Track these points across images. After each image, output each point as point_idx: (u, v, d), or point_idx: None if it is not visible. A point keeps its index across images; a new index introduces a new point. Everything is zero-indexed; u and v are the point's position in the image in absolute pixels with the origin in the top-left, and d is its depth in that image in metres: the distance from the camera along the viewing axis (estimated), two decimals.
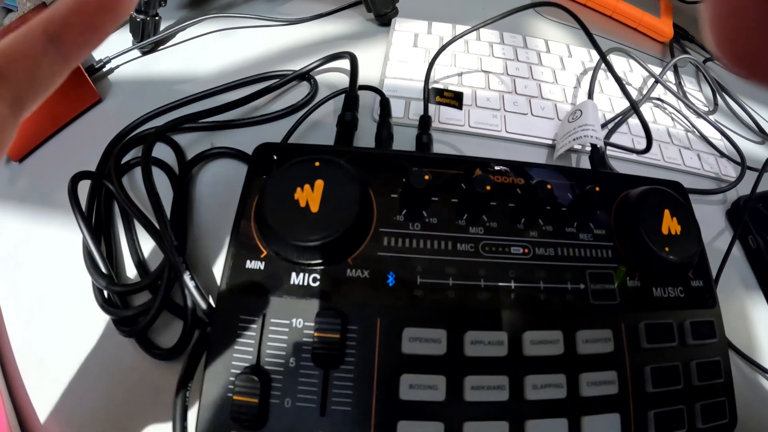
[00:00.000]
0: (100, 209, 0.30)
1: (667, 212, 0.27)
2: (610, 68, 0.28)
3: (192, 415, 0.23)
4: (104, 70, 0.38)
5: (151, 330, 0.27)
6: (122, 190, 0.29)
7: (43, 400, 0.25)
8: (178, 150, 0.33)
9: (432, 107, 0.35)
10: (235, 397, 0.21)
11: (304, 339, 0.22)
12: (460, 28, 0.38)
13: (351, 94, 0.32)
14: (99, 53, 0.38)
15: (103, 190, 0.30)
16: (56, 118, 0.35)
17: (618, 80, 0.28)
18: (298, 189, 0.23)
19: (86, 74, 0.35)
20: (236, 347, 0.22)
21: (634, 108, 0.28)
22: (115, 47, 0.39)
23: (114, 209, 0.31)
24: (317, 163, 0.24)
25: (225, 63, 0.39)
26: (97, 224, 0.29)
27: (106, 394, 0.25)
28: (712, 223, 0.37)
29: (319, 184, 0.23)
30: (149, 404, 0.25)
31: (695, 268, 0.27)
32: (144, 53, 0.40)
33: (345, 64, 0.38)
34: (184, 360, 0.25)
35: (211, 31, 0.42)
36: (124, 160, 0.32)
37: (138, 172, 0.32)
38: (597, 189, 0.27)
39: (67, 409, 0.25)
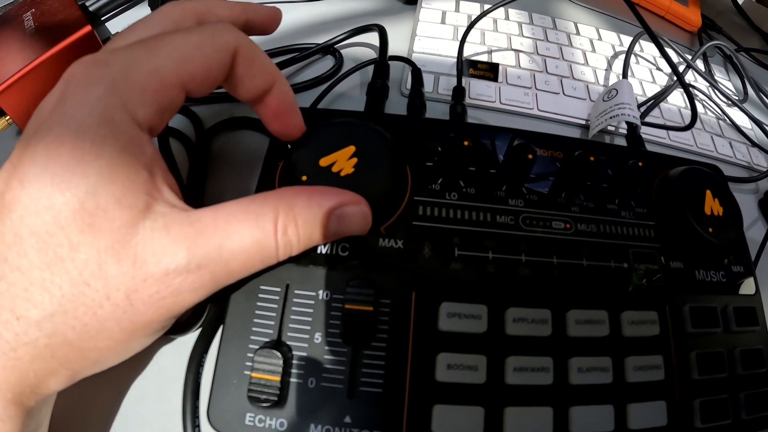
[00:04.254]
0: None
1: (708, 193, 0.26)
2: (654, 38, 0.27)
3: (204, 394, 0.22)
4: None
5: None
6: None
7: None
8: (196, 120, 0.31)
9: (463, 81, 0.34)
10: (253, 375, 0.19)
11: (332, 312, 0.20)
12: (488, 7, 0.37)
13: (382, 62, 0.30)
14: (116, 27, 0.37)
15: None
16: None
17: (661, 49, 0.27)
18: (328, 153, 0.21)
19: (103, 46, 0.33)
20: (256, 320, 0.20)
21: (678, 78, 0.27)
22: (132, 20, 0.37)
23: None
24: (348, 126, 0.22)
25: None
26: None
27: (111, 368, 0.23)
28: (745, 212, 0.35)
29: (350, 147, 0.21)
30: (157, 381, 0.23)
31: (736, 252, 0.26)
32: None
33: (371, 38, 0.36)
34: (198, 333, 0.23)
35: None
36: None
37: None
38: (640, 164, 0.25)
39: None
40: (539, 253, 0.22)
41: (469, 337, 0.20)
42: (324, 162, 0.21)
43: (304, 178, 0.21)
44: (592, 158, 0.24)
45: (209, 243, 0.16)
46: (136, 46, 0.17)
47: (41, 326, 0.14)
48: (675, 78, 0.40)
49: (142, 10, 0.39)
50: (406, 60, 0.32)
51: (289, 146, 0.23)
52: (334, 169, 0.21)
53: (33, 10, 0.34)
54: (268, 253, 0.17)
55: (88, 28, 0.32)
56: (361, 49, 0.36)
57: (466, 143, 0.22)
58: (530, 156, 0.22)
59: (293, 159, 0.21)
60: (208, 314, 0.23)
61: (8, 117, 0.31)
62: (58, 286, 0.14)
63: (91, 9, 0.38)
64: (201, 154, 0.29)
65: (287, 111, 0.21)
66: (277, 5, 0.40)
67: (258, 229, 0.16)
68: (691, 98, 0.28)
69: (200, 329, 0.23)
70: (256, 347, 0.20)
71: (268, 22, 0.23)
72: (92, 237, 0.14)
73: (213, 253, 0.16)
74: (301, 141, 0.22)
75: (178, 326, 0.24)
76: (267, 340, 0.20)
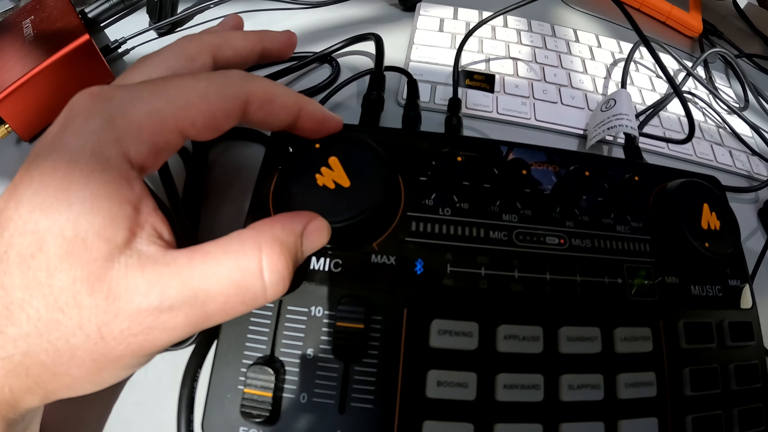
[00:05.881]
0: None
1: (706, 206, 0.25)
2: (650, 48, 0.27)
3: (199, 408, 0.22)
4: (119, 51, 0.37)
5: None
6: None
7: None
8: None
9: (460, 92, 0.34)
10: (246, 390, 0.19)
11: (324, 329, 0.20)
12: (487, 15, 0.37)
13: (377, 73, 0.30)
14: (114, 34, 0.37)
15: None
16: (68, 97, 0.34)
17: (658, 60, 0.27)
18: (319, 169, 0.21)
19: (101, 54, 0.34)
20: (249, 336, 0.20)
21: (675, 91, 0.27)
22: (131, 28, 0.37)
23: None
24: (339, 142, 0.22)
25: None
26: None
27: None
28: (744, 222, 0.35)
29: (341, 163, 0.21)
30: (153, 394, 0.23)
31: (733, 266, 0.26)
32: (161, 34, 0.39)
33: (368, 47, 0.36)
34: (193, 348, 0.23)
35: (231, 13, 0.40)
36: None
37: None
38: (636, 178, 0.25)
39: None
40: (532, 269, 0.22)
41: (460, 354, 0.20)
42: (318, 179, 0.21)
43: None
44: (587, 173, 0.24)
45: (184, 285, 0.15)
46: (142, 85, 0.17)
47: (17, 344, 0.15)
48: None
49: (141, 17, 0.39)
50: (402, 71, 0.31)
51: (291, 150, 0.23)
52: (329, 185, 0.21)
53: (32, 17, 0.35)
54: (251, 295, 0.17)
55: (86, 37, 0.32)
56: (359, 57, 0.36)
57: (459, 159, 0.22)
58: (524, 171, 0.22)
59: (285, 171, 0.21)
60: (204, 331, 0.23)
61: (7, 125, 0.31)
62: (35, 309, 0.15)
63: (90, 16, 0.38)
64: (198, 164, 0.29)
65: (321, 126, 0.21)
66: (275, 12, 0.40)
67: (238, 271, 0.16)
68: (688, 112, 0.28)
69: (195, 344, 0.23)
70: (250, 362, 0.20)
71: (284, 48, 0.24)
72: (69, 265, 0.15)
73: (187, 295, 0.15)
74: (294, 155, 0.22)
75: None
76: (260, 355, 0.20)
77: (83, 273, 0.15)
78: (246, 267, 0.16)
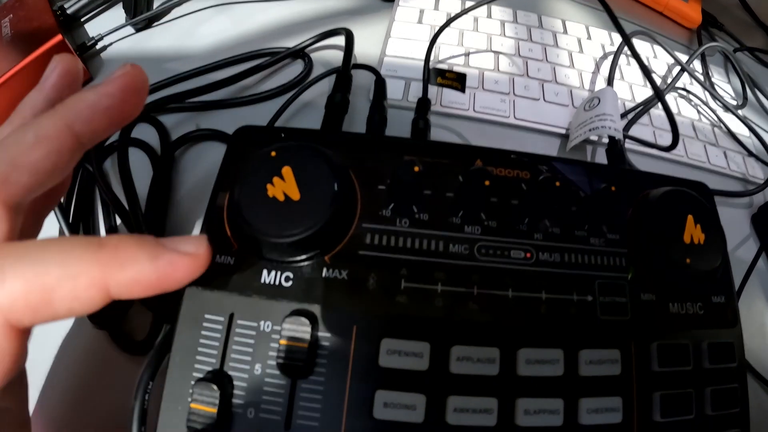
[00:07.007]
0: (80, 195, 0.28)
1: (690, 218, 0.24)
2: (634, 52, 0.25)
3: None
4: (96, 48, 0.36)
5: (130, 325, 0.25)
6: (101, 175, 0.27)
7: None
8: (162, 131, 0.30)
9: (434, 89, 0.32)
10: (192, 405, 0.19)
11: (272, 344, 0.20)
12: (470, 5, 0.35)
13: (344, 73, 0.29)
14: (91, 30, 0.36)
15: (84, 174, 0.28)
16: None
17: (642, 66, 0.25)
18: (271, 179, 0.20)
19: (76, 54, 0.33)
20: (199, 349, 0.20)
21: (659, 97, 0.25)
22: (107, 24, 0.36)
23: (96, 195, 0.28)
24: (294, 151, 0.21)
25: (220, 39, 0.37)
26: (76, 211, 0.27)
27: (78, 388, 0.24)
28: (736, 229, 0.34)
29: (293, 173, 0.20)
30: (122, 401, 0.23)
31: (717, 281, 0.24)
32: (138, 30, 0.38)
33: (343, 41, 0.35)
34: (147, 358, 0.23)
35: (207, 6, 0.39)
36: (108, 141, 0.30)
37: None
38: (613, 189, 0.24)
39: (34, 401, 0.24)
40: (493, 285, 0.21)
41: (410, 375, 0.19)
42: (269, 189, 0.20)
43: None
44: (558, 183, 0.22)
45: None
46: None
47: None
48: (668, 81, 0.38)
49: (119, 12, 0.38)
50: (370, 68, 0.30)
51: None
52: (279, 197, 0.20)
53: (11, 15, 0.34)
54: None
55: (58, 38, 0.32)
56: (332, 52, 0.35)
57: (416, 169, 0.21)
58: (487, 182, 0.21)
59: (236, 182, 0.20)
60: (161, 340, 0.23)
61: None
62: None
63: (69, 12, 0.37)
64: (165, 165, 0.29)
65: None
66: (253, 4, 0.39)
67: None
68: (671, 118, 0.26)
69: (150, 355, 0.23)
70: (200, 376, 0.19)
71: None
72: None
73: None
74: (245, 165, 0.21)
75: (138, 346, 0.24)
76: (210, 369, 0.20)
77: None
78: None
